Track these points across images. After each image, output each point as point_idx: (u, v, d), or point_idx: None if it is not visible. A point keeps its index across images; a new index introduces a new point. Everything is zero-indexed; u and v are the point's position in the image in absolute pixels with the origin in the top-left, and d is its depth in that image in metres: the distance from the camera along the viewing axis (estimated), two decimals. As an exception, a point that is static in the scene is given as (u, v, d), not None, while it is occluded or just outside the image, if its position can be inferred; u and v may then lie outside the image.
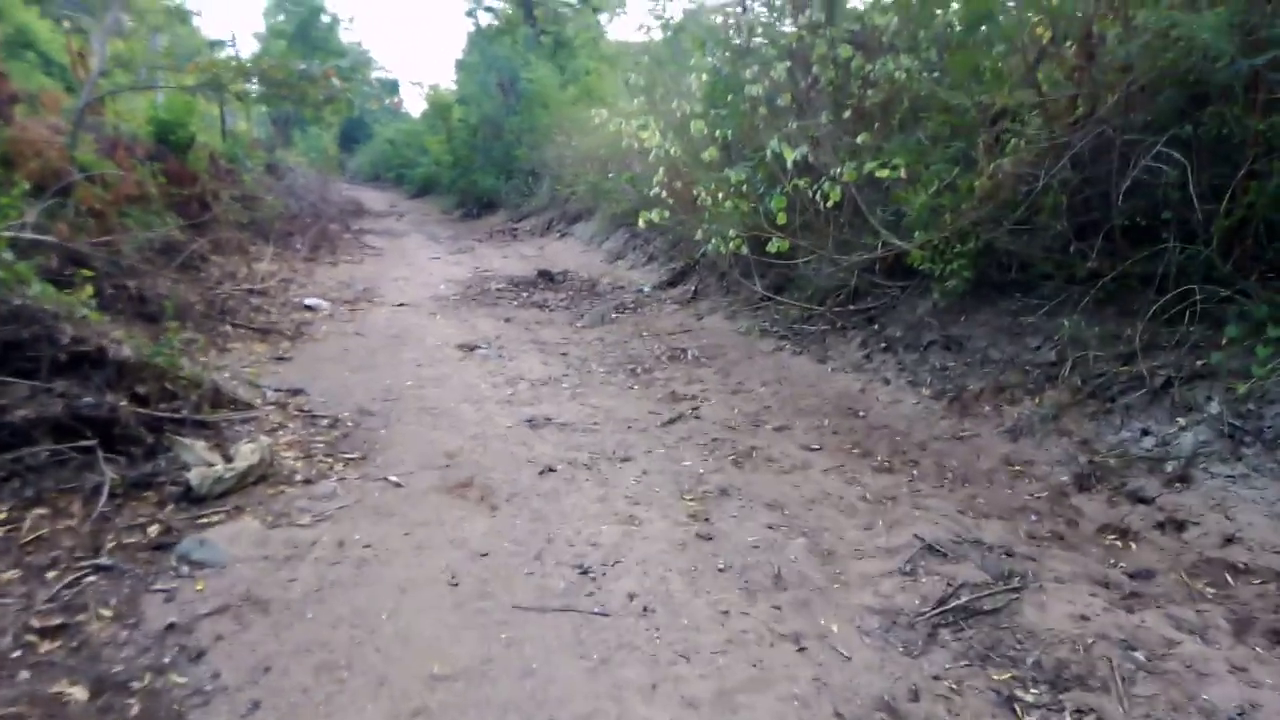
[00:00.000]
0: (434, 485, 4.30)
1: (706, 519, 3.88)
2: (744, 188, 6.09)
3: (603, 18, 25.03)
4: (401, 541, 3.61)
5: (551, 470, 4.49)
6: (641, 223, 6.17)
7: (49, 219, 6.33)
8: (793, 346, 6.58)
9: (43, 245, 5.67)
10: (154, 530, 3.51)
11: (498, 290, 10.51)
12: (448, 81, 40.92)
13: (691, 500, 4.11)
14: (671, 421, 5.38)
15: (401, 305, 9.66)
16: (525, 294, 10.29)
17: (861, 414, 5.28)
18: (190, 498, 3.84)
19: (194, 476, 3.87)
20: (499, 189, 21.85)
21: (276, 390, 5.82)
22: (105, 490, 3.60)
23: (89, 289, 4.88)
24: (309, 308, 9.10)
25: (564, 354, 7.35)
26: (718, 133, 5.79)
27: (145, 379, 4.29)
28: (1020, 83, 5.39)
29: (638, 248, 12.25)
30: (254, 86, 8.77)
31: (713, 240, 6.37)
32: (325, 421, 5.31)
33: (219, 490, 3.94)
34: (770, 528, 3.79)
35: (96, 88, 7.87)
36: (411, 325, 8.49)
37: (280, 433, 5.00)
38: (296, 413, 5.42)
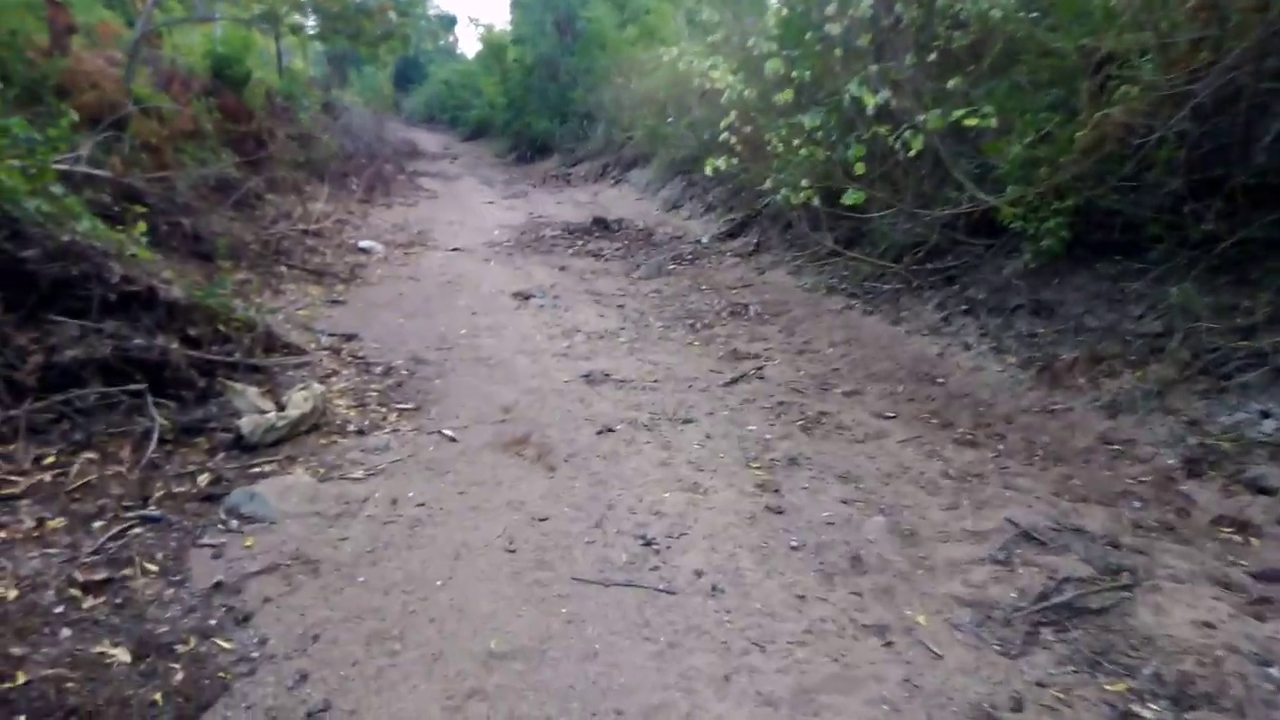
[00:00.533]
0: (489, 441, 4.13)
1: (776, 490, 3.64)
2: (818, 134, 5.68)
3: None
4: (456, 501, 3.45)
5: (610, 430, 4.28)
6: (708, 170, 5.81)
7: (104, 153, 6.23)
8: (863, 305, 6.22)
9: (96, 180, 5.57)
10: (204, 479, 3.40)
11: (552, 237, 10.26)
12: (504, 22, 40.12)
13: (759, 469, 3.86)
14: (734, 381, 5.12)
15: (456, 250, 9.49)
16: (580, 242, 10.02)
17: (940, 381, 4.94)
18: (242, 445, 3.73)
19: (246, 424, 3.75)
20: (553, 133, 21.42)
21: (330, 335, 5.70)
22: (155, 436, 3.50)
23: (141, 225, 4.76)
24: (363, 250, 8.98)
25: (620, 306, 7.10)
26: (793, 73, 5.37)
27: (197, 321, 4.17)
28: (1132, 23, 4.86)
29: (695, 196, 11.84)
30: (309, 21, 8.47)
31: (781, 190, 5.99)
32: (379, 369, 5.17)
33: (271, 439, 3.82)
34: (845, 503, 3.53)
35: (152, 19, 7.70)
36: (466, 271, 8.31)
37: (333, 380, 4.87)
38: (350, 359, 5.29)
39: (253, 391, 4.07)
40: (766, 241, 8.49)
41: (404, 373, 5.15)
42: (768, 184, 6.01)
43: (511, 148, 23.67)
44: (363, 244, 9.07)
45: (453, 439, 4.14)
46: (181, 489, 3.31)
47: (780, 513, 3.42)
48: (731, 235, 9.45)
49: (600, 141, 18.55)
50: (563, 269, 8.64)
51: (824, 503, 3.53)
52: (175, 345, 3.85)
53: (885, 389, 4.93)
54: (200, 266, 6.57)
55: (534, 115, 22.16)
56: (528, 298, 7.30)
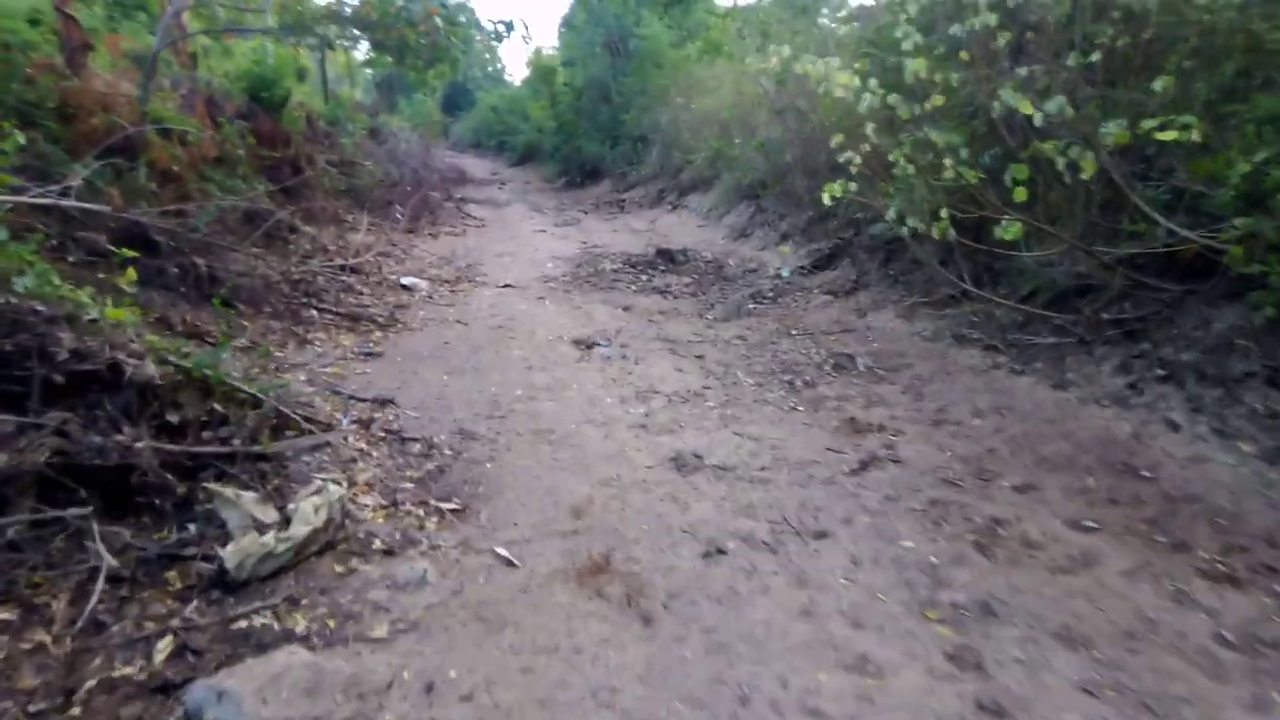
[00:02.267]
0: (558, 566, 3.07)
1: (978, 665, 2.50)
2: (959, 152, 4.56)
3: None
4: (517, 687, 2.38)
5: (721, 551, 3.18)
6: (825, 198, 4.71)
7: (111, 183, 5.38)
8: (1011, 363, 5.03)
9: (93, 216, 4.70)
10: (163, 650, 2.39)
11: (612, 272, 9.24)
12: (551, 46, 39.76)
13: (941, 623, 2.73)
14: (864, 467, 3.99)
15: (506, 287, 8.54)
16: (644, 277, 8.99)
17: (1146, 474, 3.74)
18: (225, 583, 2.73)
19: (231, 554, 2.75)
20: (605, 156, 20.60)
21: (360, 400, 4.72)
22: (101, 580, 2.50)
23: (130, 273, 3.83)
24: (405, 288, 8.07)
25: (700, 356, 6.02)
26: (938, 76, 4.27)
27: (182, 402, 3.20)
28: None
29: (766, 224, 10.74)
30: (344, 34, 7.63)
31: (909, 221, 4.87)
32: (417, 447, 4.16)
33: (267, 569, 2.82)
34: (1088, 692, 2.38)
35: (171, 32, 6.93)
36: (518, 312, 7.33)
37: (359, 465, 3.87)
38: (381, 433, 4.30)
39: (249, 498, 3.07)
40: (865, 277, 7.34)
41: (447, 452, 4.13)
42: (890, 213, 4.87)
43: (561, 172, 22.91)
44: (405, 281, 8.17)
45: (510, 562, 3.09)
46: (128, 670, 2.30)
47: (1001, 716, 2.28)
48: (817, 268, 8.33)
49: (655, 165, 17.63)
50: (627, 309, 7.61)
51: (1056, 692, 2.38)
52: (145, 441, 2.88)
53: (1070, 483, 3.75)
54: (214, 314, 5.69)
55: (584, 139, 21.39)
56: (591, 346, 6.27)
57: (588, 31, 21.88)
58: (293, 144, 10.10)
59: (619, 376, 5.49)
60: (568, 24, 26.87)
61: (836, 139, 4.87)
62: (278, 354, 5.36)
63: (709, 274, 9.12)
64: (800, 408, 4.89)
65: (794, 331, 6.65)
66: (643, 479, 3.86)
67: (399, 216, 11.97)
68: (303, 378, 4.96)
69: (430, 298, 7.86)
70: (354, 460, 3.93)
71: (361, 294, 7.43)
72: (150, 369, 2.96)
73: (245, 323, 5.75)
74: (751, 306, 7.53)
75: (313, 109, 12.74)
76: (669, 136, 16.62)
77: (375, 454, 4.05)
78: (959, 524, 3.42)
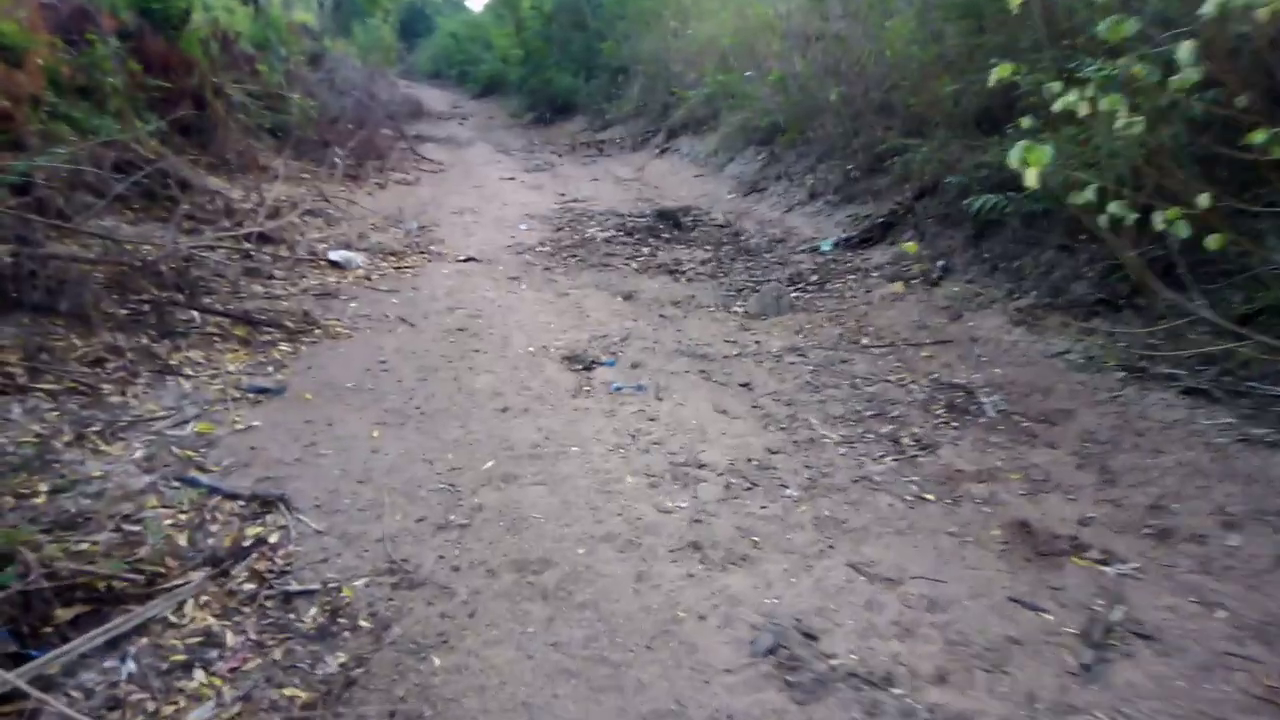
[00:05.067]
0: None
1: None
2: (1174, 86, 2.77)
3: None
4: None
5: None
6: (1015, 163, 2.82)
7: None
8: (1242, 421, 3.31)
9: None
10: None
11: (605, 241, 7.32)
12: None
13: None
14: (1099, 657, 2.28)
15: (469, 260, 6.62)
16: (645, 249, 7.08)
17: None
18: None
19: None
20: (577, 90, 18.33)
21: (229, 497, 2.88)
22: None
23: None
24: (334, 264, 6.11)
25: (746, 384, 4.24)
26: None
27: None
28: None
29: (785, 177, 8.83)
30: None
31: (1111, 206, 3.03)
32: (311, 615, 2.36)
33: None
34: None
35: None
36: (485, 304, 5.45)
37: (194, 678, 2.06)
38: (251, 586, 2.47)
39: None
40: (948, 260, 5.54)
41: (365, 626, 2.34)
42: (1088, 194, 3.00)
43: (529, 107, 20.54)
44: (334, 255, 6.19)
45: None
46: None
47: None
48: (868, 241, 6.50)
49: (637, 101, 15.47)
50: (629, 297, 5.77)
51: None
52: None
53: None
54: (35, 327, 3.76)
55: (554, 70, 19.02)
56: (590, 366, 4.45)
57: (558, -54, 19.33)
58: (195, 71, 7.90)
59: (638, 427, 3.69)
60: (534, -62, 24.07)
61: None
62: (112, 400, 3.45)
63: (725, 244, 7.26)
64: (929, 495, 3.15)
65: (864, 339, 4.88)
66: (723, 694, 2.11)
67: (337, 161, 9.82)
68: (138, 452, 3.08)
69: (367, 279, 5.93)
70: (187, 666, 2.11)
71: (271, 278, 5.46)
72: None
73: (75, 341, 3.80)
74: (794, 296, 5.72)
75: (231, 28, 10.38)
76: (654, 68, 14.47)
77: (233, 641, 2.23)
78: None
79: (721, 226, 7.82)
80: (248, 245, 5.76)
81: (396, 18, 38.38)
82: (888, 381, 4.25)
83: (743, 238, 7.44)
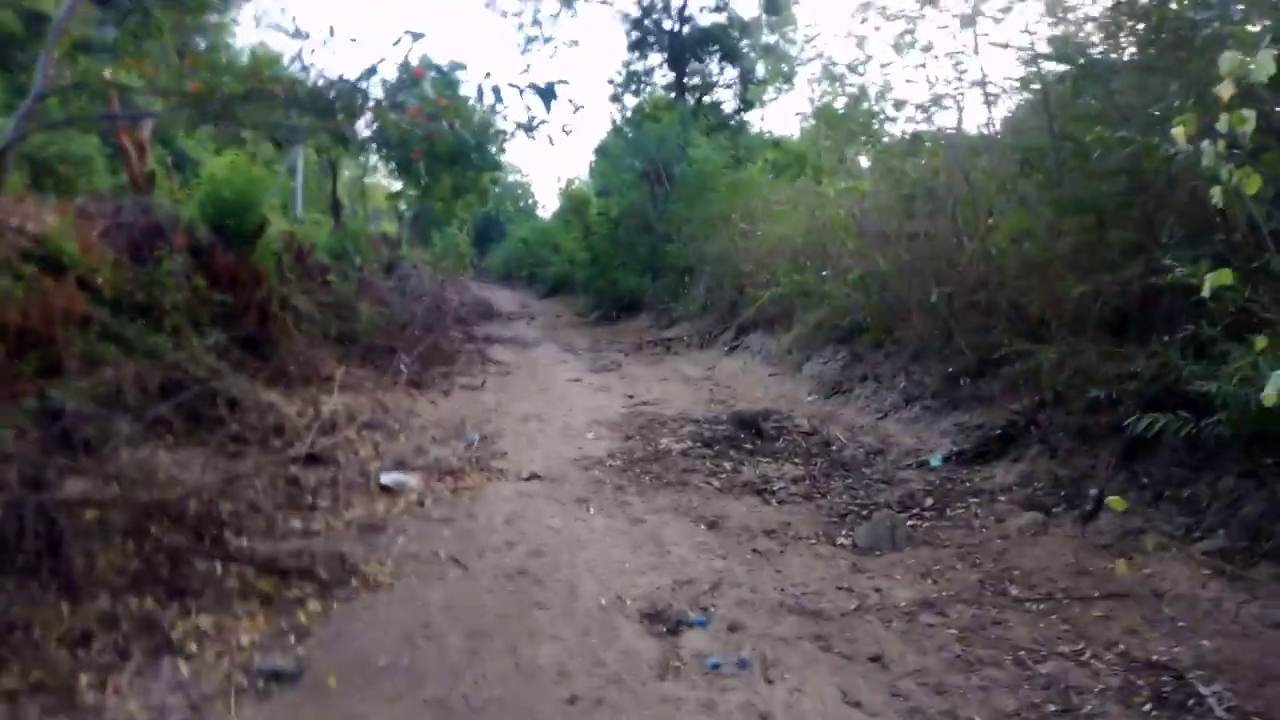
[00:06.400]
0: None
1: None
2: None
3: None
4: None
5: None
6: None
7: None
8: None
9: None
10: None
11: (681, 453, 6.64)
12: (582, 175, 39.12)
13: None
14: None
15: (532, 478, 5.98)
16: (727, 464, 6.34)
17: None
18: None
19: None
20: (644, 289, 18.57)
21: None
22: None
23: None
24: (386, 490, 5.54)
25: (876, 658, 3.33)
26: None
27: None
28: None
29: (872, 378, 8.20)
30: (273, 118, 5.31)
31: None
32: None
33: None
34: None
35: (21, 125, 4.72)
36: (549, 537, 4.73)
37: None
38: None
39: None
40: (1092, 484, 4.65)
41: None
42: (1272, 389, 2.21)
43: (594, 305, 20.92)
44: (386, 480, 5.62)
45: None
46: None
47: None
48: (984, 456, 5.68)
49: (702, 299, 15.42)
50: (713, 526, 4.98)
51: None
52: None
53: None
54: (19, 594, 3.16)
55: (620, 270, 19.47)
56: (676, 629, 3.61)
57: (625, 159, 20.39)
58: (264, 284, 7.90)
59: (748, 733, 2.79)
60: (602, 152, 25.70)
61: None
62: (87, 699, 2.75)
63: (816, 456, 6.50)
64: None
65: (1012, 588, 3.94)
66: None
67: (402, 368, 9.62)
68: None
69: (420, 504, 5.30)
70: None
71: (313, 509, 4.88)
72: None
73: (63, 609, 3.18)
74: (910, 526, 4.85)
75: (307, 240, 10.70)
76: (722, 268, 14.46)
77: None
78: None
79: (808, 434, 7.10)
80: (292, 469, 5.26)
81: (472, 226, 41.06)
82: (1062, 656, 3.29)
83: (834, 448, 6.68)
